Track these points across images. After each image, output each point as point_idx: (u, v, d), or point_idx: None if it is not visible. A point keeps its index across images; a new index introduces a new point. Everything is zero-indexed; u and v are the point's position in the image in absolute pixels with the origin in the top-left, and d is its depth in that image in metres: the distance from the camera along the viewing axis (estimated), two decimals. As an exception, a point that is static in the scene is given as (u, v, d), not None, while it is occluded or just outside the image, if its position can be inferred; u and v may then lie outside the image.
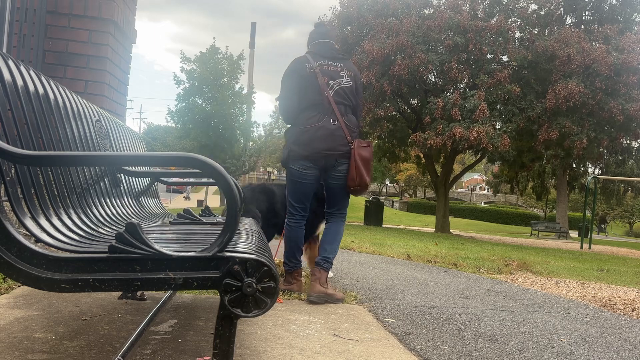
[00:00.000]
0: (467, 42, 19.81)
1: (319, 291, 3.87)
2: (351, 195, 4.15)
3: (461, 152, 23.27)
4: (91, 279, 1.48)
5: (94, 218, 2.20)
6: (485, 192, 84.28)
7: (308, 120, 3.98)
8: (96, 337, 2.45)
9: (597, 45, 20.42)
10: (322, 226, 4.66)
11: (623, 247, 22.52)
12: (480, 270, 7.18)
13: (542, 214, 55.73)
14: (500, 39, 20.36)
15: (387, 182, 72.70)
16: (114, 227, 2.23)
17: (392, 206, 60.60)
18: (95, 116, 2.81)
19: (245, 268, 1.53)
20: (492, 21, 20.84)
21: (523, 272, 7.47)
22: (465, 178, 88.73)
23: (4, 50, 3.56)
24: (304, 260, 4.67)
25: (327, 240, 4.08)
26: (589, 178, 22.20)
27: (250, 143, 33.88)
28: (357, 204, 40.12)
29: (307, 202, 4.19)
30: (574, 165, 30.27)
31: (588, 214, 23.28)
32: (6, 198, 1.58)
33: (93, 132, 2.68)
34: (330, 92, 3.96)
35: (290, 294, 4.04)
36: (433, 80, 22.66)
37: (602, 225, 50.00)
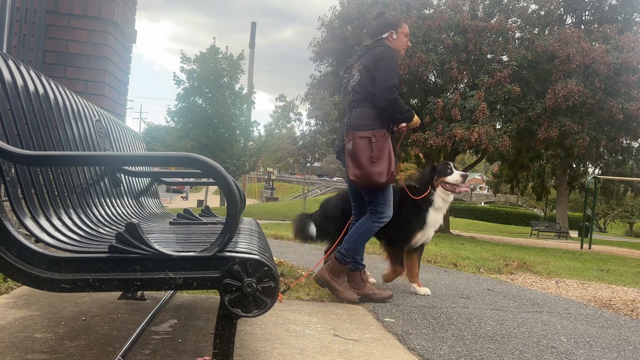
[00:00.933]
0: (467, 42, 19.79)
1: (322, 276, 4.04)
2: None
3: (461, 153, 23.27)
4: (91, 279, 1.48)
5: (94, 218, 2.20)
6: (485, 192, 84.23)
7: None
8: (96, 337, 2.45)
9: (597, 45, 20.41)
10: (417, 237, 4.59)
11: (623, 247, 22.52)
12: (480, 270, 7.18)
13: (542, 214, 55.68)
14: (500, 39, 20.35)
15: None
16: (114, 227, 2.23)
17: (392, 206, 60.42)
18: (95, 116, 2.81)
19: (245, 268, 1.53)
20: (492, 21, 20.83)
21: (523, 272, 7.47)
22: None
23: (4, 50, 3.56)
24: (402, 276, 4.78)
25: (348, 234, 4.17)
26: (589, 178, 22.21)
27: (250, 143, 33.84)
28: (357, 204, 40.09)
29: (355, 201, 4.36)
30: (574, 165, 30.27)
31: (588, 213, 23.27)
32: (6, 198, 1.58)
33: (93, 132, 2.68)
34: (350, 95, 4.10)
35: (290, 294, 4.04)
36: (433, 80, 22.63)
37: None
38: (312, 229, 4.87)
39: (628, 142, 25.14)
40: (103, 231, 2.07)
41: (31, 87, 2.00)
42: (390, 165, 3.89)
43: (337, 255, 4.05)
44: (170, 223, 2.72)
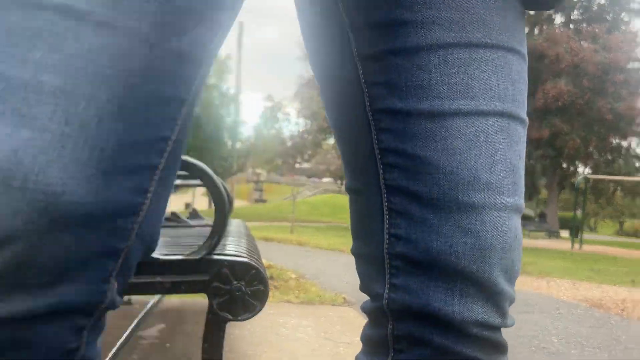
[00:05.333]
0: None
1: None
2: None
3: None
4: (75, 284, 1.45)
5: (79, 221, 2.16)
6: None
7: None
8: (83, 343, 2.41)
9: (586, 44, 20.54)
10: None
11: (614, 247, 22.65)
12: (471, 270, 7.17)
13: (533, 214, 55.97)
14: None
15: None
16: (100, 230, 2.19)
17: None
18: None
19: (234, 271, 1.50)
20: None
21: (514, 272, 7.46)
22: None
23: None
24: None
25: None
26: (579, 178, 22.31)
27: (238, 144, 33.80)
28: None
29: None
30: (564, 165, 30.47)
31: (579, 213, 23.39)
32: None
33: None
34: None
35: (280, 297, 4.00)
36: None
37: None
38: None
39: (617, 141, 25.31)
40: (89, 234, 2.03)
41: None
42: None
43: None
44: (158, 225, 2.68)
